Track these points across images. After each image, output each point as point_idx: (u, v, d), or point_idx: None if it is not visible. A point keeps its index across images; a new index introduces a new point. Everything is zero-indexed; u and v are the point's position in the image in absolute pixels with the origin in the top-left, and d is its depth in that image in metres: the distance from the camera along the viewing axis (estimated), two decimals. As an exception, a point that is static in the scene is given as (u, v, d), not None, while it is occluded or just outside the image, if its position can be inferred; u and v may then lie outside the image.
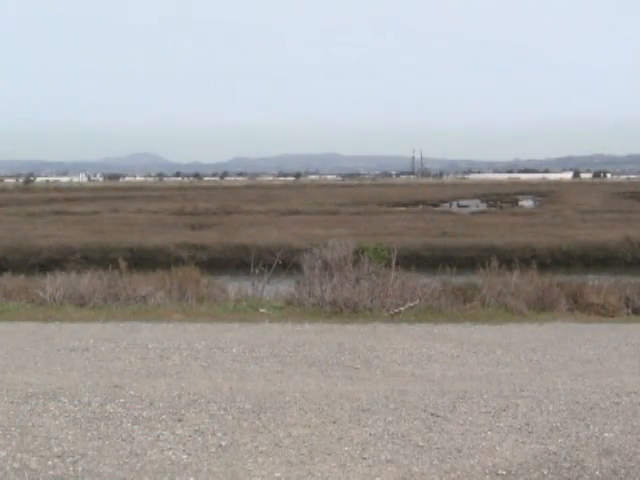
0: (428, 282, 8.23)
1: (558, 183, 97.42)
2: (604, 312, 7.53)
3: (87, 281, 8.40)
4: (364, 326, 6.88)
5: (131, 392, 4.58)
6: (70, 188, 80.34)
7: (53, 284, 8.24)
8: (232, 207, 36.96)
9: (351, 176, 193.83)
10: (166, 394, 4.57)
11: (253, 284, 8.78)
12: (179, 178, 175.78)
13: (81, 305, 7.92)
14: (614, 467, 3.43)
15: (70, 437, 3.82)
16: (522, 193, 62.34)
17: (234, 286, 9.05)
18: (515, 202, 52.66)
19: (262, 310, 7.61)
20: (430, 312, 7.45)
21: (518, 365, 5.36)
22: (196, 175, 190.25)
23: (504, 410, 4.27)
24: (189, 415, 4.17)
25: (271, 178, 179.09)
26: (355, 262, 8.56)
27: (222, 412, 4.22)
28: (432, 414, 4.19)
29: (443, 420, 4.09)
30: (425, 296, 7.70)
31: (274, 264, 9.07)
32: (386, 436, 3.83)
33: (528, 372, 5.16)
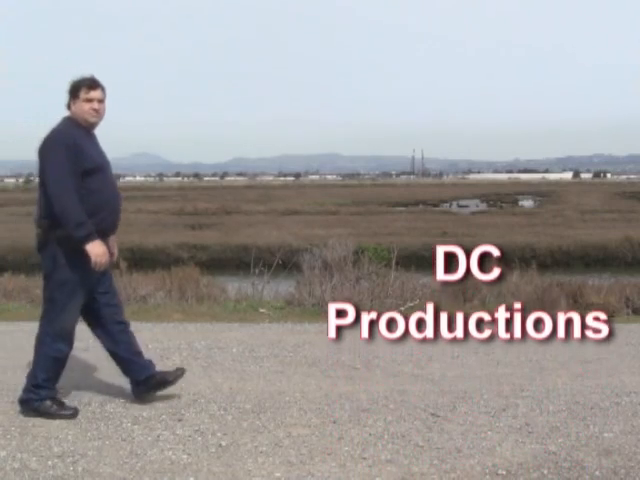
0: (428, 282, 8.23)
1: (558, 183, 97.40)
2: (604, 312, 7.52)
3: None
4: (364, 326, 6.88)
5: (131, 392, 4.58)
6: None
7: (53, 284, 8.23)
8: (232, 207, 36.98)
9: (351, 176, 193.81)
10: (166, 394, 4.57)
11: (253, 284, 8.78)
12: (179, 178, 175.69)
13: (81, 305, 7.92)
14: (614, 467, 3.43)
15: (70, 437, 3.82)
16: (522, 193, 62.38)
17: (234, 286, 9.05)
18: (515, 202, 52.68)
19: (262, 310, 7.61)
20: (430, 312, 7.45)
21: (518, 365, 5.37)
22: (196, 175, 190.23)
23: (504, 410, 4.27)
24: (189, 415, 4.17)
25: (271, 178, 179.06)
26: (355, 262, 8.57)
27: (222, 412, 4.22)
28: (432, 414, 4.19)
29: (443, 420, 4.09)
30: (425, 296, 7.70)
31: (274, 264, 9.07)
32: (386, 436, 3.83)
33: (528, 372, 5.16)
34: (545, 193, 61.66)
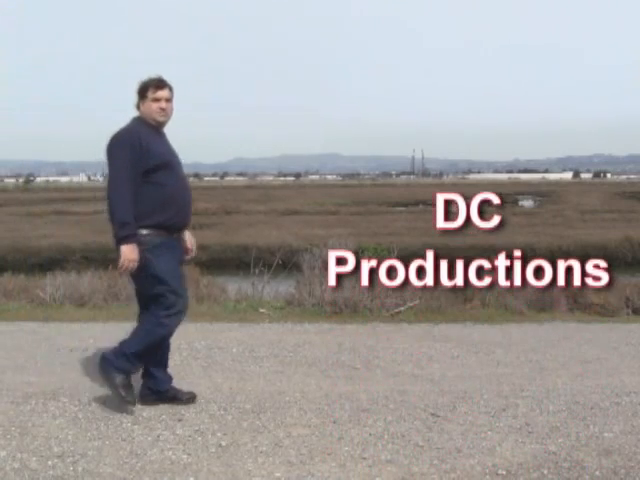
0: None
1: (558, 183, 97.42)
2: (604, 312, 7.52)
3: (87, 281, 8.40)
4: (364, 326, 6.89)
5: (131, 392, 4.58)
6: (70, 188, 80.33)
7: (53, 284, 8.24)
8: (232, 207, 36.98)
9: (351, 176, 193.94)
10: (166, 394, 4.56)
11: (253, 284, 8.77)
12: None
13: (81, 305, 7.92)
14: (614, 467, 3.43)
15: (70, 437, 3.82)
16: (522, 193, 62.30)
17: (234, 286, 9.04)
18: (515, 202, 52.66)
19: (262, 310, 7.61)
20: (430, 312, 7.45)
21: (518, 365, 5.37)
22: (196, 175, 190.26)
23: (504, 410, 4.27)
24: (189, 415, 4.17)
25: (271, 178, 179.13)
26: (355, 262, 8.54)
27: (222, 412, 4.22)
28: (432, 414, 4.19)
29: (443, 420, 4.09)
30: (425, 296, 7.70)
31: (274, 264, 9.06)
32: (386, 436, 3.83)
33: (528, 372, 5.16)
34: (545, 193, 61.57)
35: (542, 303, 7.72)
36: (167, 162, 4.16)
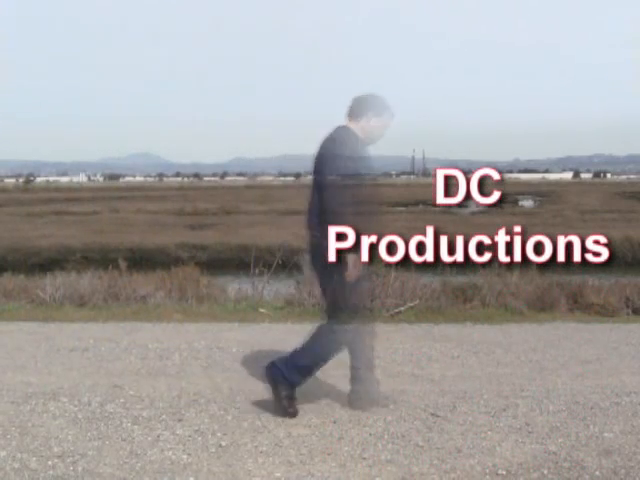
0: (428, 282, 8.23)
1: (558, 183, 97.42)
2: (604, 312, 7.52)
3: (87, 281, 8.40)
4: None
5: (131, 392, 4.59)
6: (70, 188, 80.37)
7: (53, 284, 8.24)
8: (232, 207, 36.96)
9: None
10: (166, 394, 4.57)
11: (253, 284, 8.77)
12: (179, 178, 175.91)
13: (81, 305, 7.92)
14: (614, 467, 3.43)
15: (70, 437, 3.82)
16: (522, 193, 62.28)
17: (234, 286, 9.04)
18: (515, 202, 52.65)
19: (262, 310, 7.61)
20: (430, 312, 7.45)
21: (518, 365, 5.37)
22: (196, 175, 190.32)
23: (504, 410, 4.28)
24: (189, 415, 4.17)
25: (271, 178, 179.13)
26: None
27: (222, 412, 4.22)
28: (432, 414, 4.19)
29: (443, 420, 4.09)
30: (425, 296, 7.70)
31: (274, 264, 9.06)
32: (386, 436, 3.83)
33: (528, 372, 5.16)
34: (545, 193, 61.54)
35: (542, 303, 7.72)
36: (374, 177, 4.25)
